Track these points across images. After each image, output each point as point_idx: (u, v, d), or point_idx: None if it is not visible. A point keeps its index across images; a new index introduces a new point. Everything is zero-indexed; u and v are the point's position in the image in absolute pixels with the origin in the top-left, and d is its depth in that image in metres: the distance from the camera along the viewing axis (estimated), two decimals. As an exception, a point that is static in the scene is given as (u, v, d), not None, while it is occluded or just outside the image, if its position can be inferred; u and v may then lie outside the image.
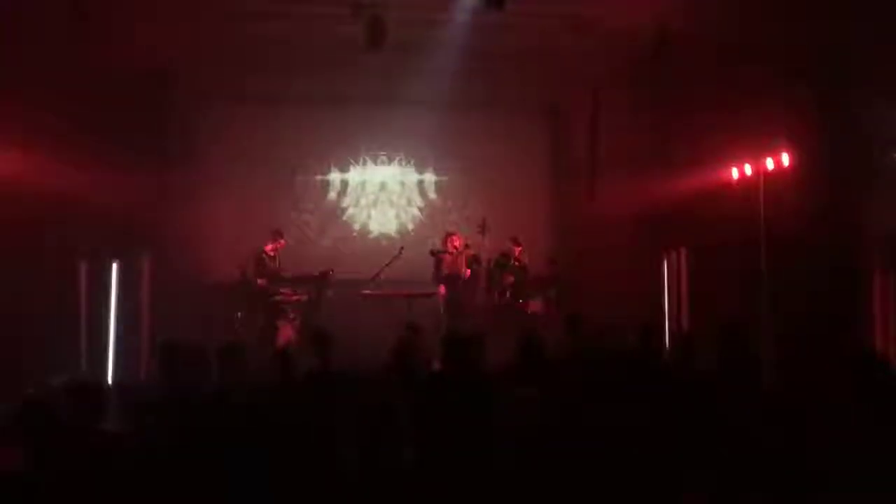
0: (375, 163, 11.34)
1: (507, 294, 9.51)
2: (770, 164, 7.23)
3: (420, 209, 11.40)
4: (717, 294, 7.73)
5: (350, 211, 11.31)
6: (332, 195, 11.26)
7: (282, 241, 9.18)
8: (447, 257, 9.18)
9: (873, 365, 3.50)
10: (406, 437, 3.13)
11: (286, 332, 8.72)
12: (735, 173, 7.78)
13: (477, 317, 9.15)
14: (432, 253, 9.29)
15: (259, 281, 8.82)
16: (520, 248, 9.64)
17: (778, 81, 6.93)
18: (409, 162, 11.38)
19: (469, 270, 9.24)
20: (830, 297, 6.54)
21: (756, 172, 7.42)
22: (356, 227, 11.28)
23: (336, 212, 11.26)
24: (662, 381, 4.19)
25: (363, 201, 11.34)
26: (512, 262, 9.58)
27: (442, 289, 9.07)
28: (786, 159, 7.04)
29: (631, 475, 3.02)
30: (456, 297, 9.09)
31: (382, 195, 11.36)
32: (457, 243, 9.24)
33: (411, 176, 11.40)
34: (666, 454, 3.20)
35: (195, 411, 3.90)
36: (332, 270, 9.23)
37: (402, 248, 9.67)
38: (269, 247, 9.04)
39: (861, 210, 6.56)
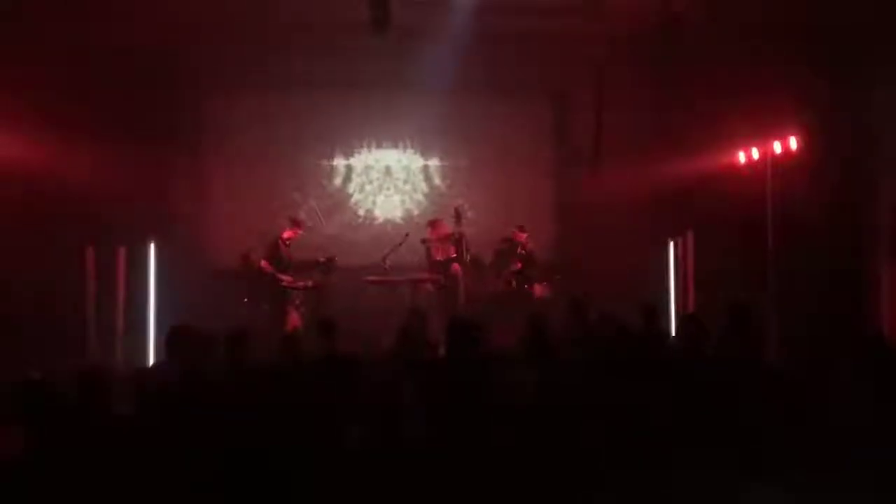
0: (380, 148, 11.30)
1: (513, 282, 9.47)
2: (777, 147, 7.19)
3: (425, 195, 11.36)
4: (722, 277, 7.71)
5: (355, 197, 11.28)
6: (338, 181, 11.24)
7: (300, 230, 9.10)
8: (437, 244, 9.28)
9: (878, 349, 3.50)
10: (410, 419, 3.15)
11: (292, 318, 8.72)
12: (742, 157, 7.74)
13: (482, 302, 9.17)
14: (423, 241, 9.42)
15: (264, 265, 8.79)
16: (525, 235, 9.59)
17: (786, 64, 6.88)
18: (413, 147, 11.34)
19: (456, 262, 9.28)
20: (837, 284, 6.52)
21: (763, 156, 7.38)
22: (361, 212, 11.26)
23: (341, 198, 11.24)
24: (667, 361, 4.18)
25: (368, 187, 11.31)
26: (518, 249, 9.55)
27: (434, 276, 9.15)
28: (794, 143, 7.00)
29: (635, 455, 3.03)
30: (449, 284, 9.13)
31: (387, 181, 11.32)
32: (443, 231, 9.33)
33: (416, 161, 11.36)
34: (668, 433, 3.20)
35: (202, 395, 3.91)
36: (333, 256, 9.24)
37: (407, 233, 9.67)
38: (286, 234, 8.96)
39: (870, 196, 6.52)
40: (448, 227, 9.41)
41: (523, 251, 9.52)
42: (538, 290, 9.44)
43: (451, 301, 8.97)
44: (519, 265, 9.48)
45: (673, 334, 6.70)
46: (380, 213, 11.25)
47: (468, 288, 9.40)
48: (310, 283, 8.96)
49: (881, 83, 6.34)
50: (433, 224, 9.52)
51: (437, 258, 9.30)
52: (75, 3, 7.05)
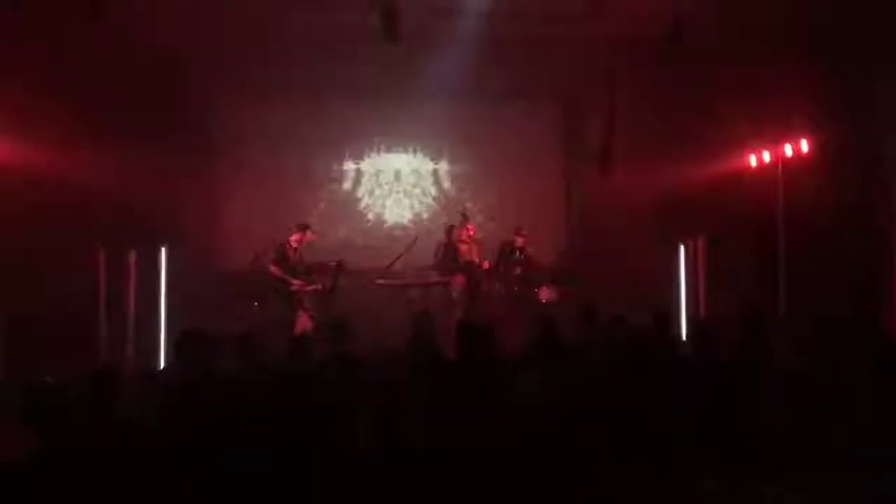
0: (390, 152, 11.33)
1: (516, 287, 9.37)
2: (788, 150, 7.16)
3: (434, 199, 11.38)
4: (733, 280, 7.68)
5: (365, 200, 11.32)
6: (347, 185, 11.28)
7: (308, 235, 9.10)
8: (462, 246, 9.25)
9: (890, 351, 3.48)
10: (418, 421, 3.15)
11: (302, 322, 8.75)
12: (753, 160, 7.71)
13: (490, 305, 9.16)
14: (456, 242, 9.38)
15: (273, 270, 8.82)
16: (523, 239, 9.41)
17: (797, 65, 6.85)
18: (423, 151, 11.36)
19: (486, 261, 9.29)
20: (848, 287, 6.48)
21: (774, 159, 7.35)
22: (370, 216, 11.29)
23: (351, 201, 11.28)
24: (677, 366, 4.17)
25: (378, 191, 11.35)
26: (517, 253, 9.38)
27: (459, 277, 9.10)
28: (804, 145, 6.97)
29: (643, 459, 3.02)
30: (474, 286, 9.11)
31: (397, 185, 11.36)
32: (472, 232, 9.31)
33: (426, 165, 11.38)
34: (678, 438, 3.19)
35: (212, 398, 3.93)
36: (342, 260, 9.26)
37: (415, 237, 9.68)
38: (294, 238, 8.99)
39: (882, 196, 6.48)
40: (473, 228, 9.43)
41: (521, 255, 9.35)
42: (544, 293, 9.30)
43: (474, 302, 8.97)
44: (519, 270, 9.32)
45: (684, 338, 6.66)
46: (389, 217, 11.29)
47: (488, 290, 9.43)
48: (319, 287, 8.98)
49: (890, 83, 6.31)
50: (460, 226, 9.49)
51: (465, 259, 9.29)
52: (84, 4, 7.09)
